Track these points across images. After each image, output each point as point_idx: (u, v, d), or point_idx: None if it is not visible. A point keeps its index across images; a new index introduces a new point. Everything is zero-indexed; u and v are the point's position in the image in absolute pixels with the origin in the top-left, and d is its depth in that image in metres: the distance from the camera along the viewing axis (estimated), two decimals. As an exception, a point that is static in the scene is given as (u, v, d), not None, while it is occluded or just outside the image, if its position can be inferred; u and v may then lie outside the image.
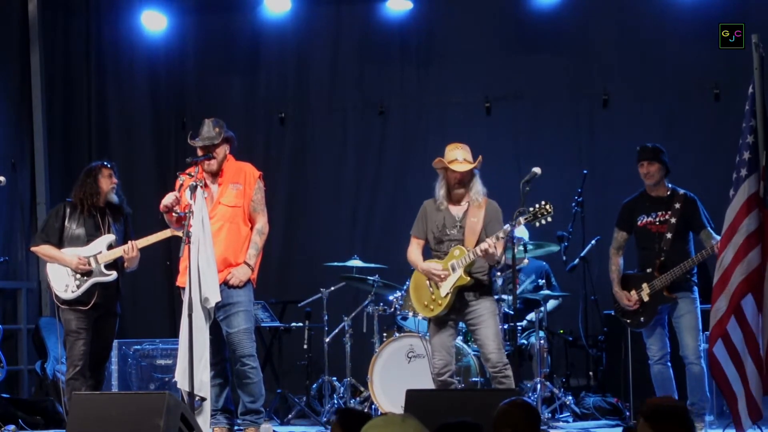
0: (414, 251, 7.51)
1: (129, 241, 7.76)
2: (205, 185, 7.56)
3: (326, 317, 9.42)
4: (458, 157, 7.34)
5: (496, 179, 9.59)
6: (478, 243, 7.22)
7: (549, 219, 7.14)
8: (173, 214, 7.53)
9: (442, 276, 7.26)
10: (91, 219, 7.83)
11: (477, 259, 7.19)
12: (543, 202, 7.13)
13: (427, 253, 7.53)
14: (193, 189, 7.21)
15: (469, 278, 7.21)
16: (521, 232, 9.10)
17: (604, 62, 10.37)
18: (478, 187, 7.38)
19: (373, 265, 9.51)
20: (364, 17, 11.09)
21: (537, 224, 7.21)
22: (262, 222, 7.78)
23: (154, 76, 11.51)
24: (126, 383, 9.47)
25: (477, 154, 7.56)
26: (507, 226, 7.16)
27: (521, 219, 7.11)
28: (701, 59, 9.97)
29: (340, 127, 11.15)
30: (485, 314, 7.23)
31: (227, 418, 7.75)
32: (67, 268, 7.70)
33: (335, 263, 9.70)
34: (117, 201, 7.88)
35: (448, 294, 7.24)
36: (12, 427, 8.70)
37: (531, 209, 7.12)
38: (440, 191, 7.43)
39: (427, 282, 7.37)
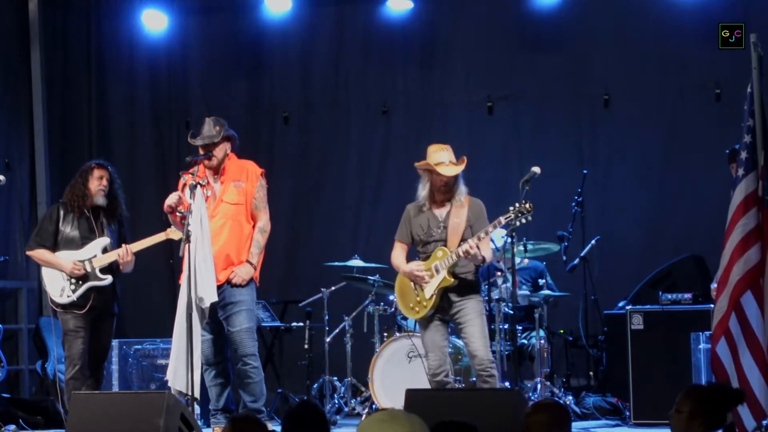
0: (397, 255, 7.47)
1: (124, 246, 7.74)
2: (207, 184, 7.56)
3: (327, 317, 9.43)
4: (444, 159, 7.24)
5: (497, 178, 9.65)
6: (461, 243, 7.18)
7: (529, 218, 7.06)
8: (177, 214, 7.52)
9: (425, 278, 7.24)
10: (84, 221, 7.80)
11: (460, 260, 7.16)
12: (523, 201, 7.08)
13: (412, 256, 7.51)
14: (193, 188, 7.21)
15: (453, 279, 7.18)
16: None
17: (604, 62, 10.36)
18: (461, 188, 7.32)
19: (373, 264, 9.51)
20: (365, 17, 11.09)
21: (518, 223, 7.12)
22: (264, 220, 7.78)
23: (155, 76, 11.51)
24: (126, 383, 9.47)
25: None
26: (489, 227, 7.14)
27: (501, 219, 7.08)
28: (701, 59, 9.96)
29: (343, 127, 11.15)
30: (471, 313, 7.19)
31: (227, 418, 7.73)
32: (63, 272, 7.70)
33: (336, 263, 9.71)
34: (103, 204, 7.81)
35: (432, 296, 7.21)
36: (12, 427, 8.70)
37: (511, 208, 7.08)
38: (423, 193, 7.36)
39: (412, 284, 7.34)
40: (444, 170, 7.23)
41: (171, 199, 7.54)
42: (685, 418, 4.42)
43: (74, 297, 7.66)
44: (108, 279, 7.72)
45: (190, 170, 7.57)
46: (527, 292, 9.18)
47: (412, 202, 7.48)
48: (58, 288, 7.70)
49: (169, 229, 7.71)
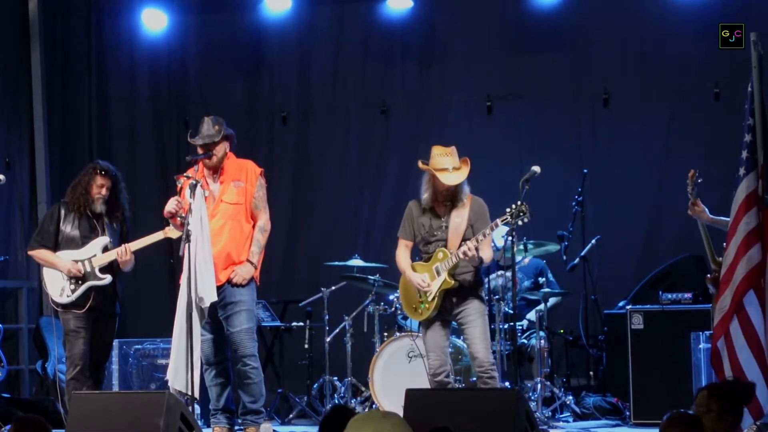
0: (402, 256, 7.45)
1: (123, 245, 7.73)
2: (205, 184, 7.56)
3: (327, 317, 9.42)
4: (447, 165, 7.19)
5: (497, 178, 9.64)
6: (462, 243, 7.15)
7: (526, 219, 7.03)
8: (178, 219, 7.51)
9: (428, 288, 7.22)
10: (85, 220, 7.80)
11: (461, 261, 7.15)
12: (519, 203, 7.05)
13: (414, 255, 7.51)
14: (193, 187, 7.21)
15: (453, 281, 7.18)
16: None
17: (604, 62, 10.37)
18: (464, 189, 7.29)
19: (373, 264, 9.51)
20: (364, 16, 11.09)
21: (516, 224, 7.08)
22: (264, 219, 7.77)
23: (155, 75, 11.51)
24: (127, 383, 9.46)
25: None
26: (486, 229, 7.11)
27: (498, 221, 7.06)
28: (701, 59, 9.97)
29: (342, 126, 11.15)
30: (473, 314, 7.20)
31: (228, 418, 7.75)
32: (63, 272, 7.70)
33: (336, 263, 9.70)
34: (101, 211, 7.79)
35: (434, 298, 7.21)
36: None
37: (507, 210, 7.05)
38: (425, 194, 7.32)
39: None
40: (445, 179, 7.19)
41: (170, 206, 7.52)
42: (714, 416, 4.52)
43: (74, 297, 7.66)
44: (107, 278, 7.72)
45: (185, 173, 7.59)
46: (529, 286, 9.21)
47: (414, 199, 7.47)
48: (58, 288, 7.70)
49: (167, 228, 7.72)
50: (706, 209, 7.46)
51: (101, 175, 7.80)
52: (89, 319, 7.70)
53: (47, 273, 7.79)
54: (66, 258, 7.71)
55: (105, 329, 7.84)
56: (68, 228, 7.78)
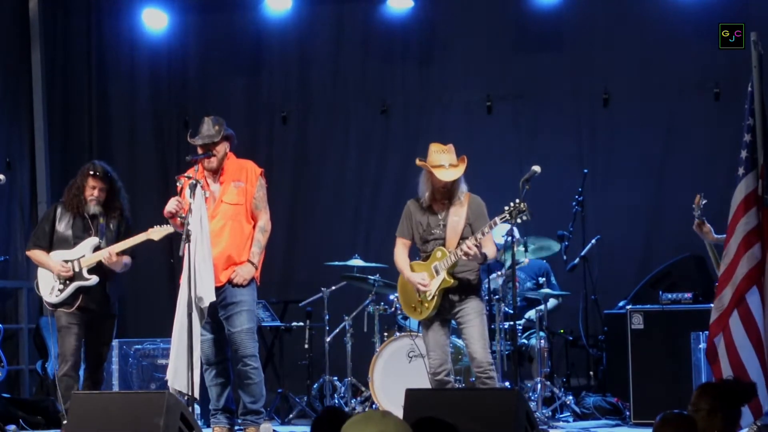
0: (400, 254, 7.43)
1: (108, 247, 7.73)
2: (206, 184, 7.55)
3: (327, 317, 9.42)
4: (444, 162, 7.18)
5: (497, 178, 9.65)
6: (461, 241, 7.15)
7: (524, 217, 6.98)
8: (178, 219, 7.50)
9: (427, 288, 7.20)
10: (80, 220, 7.80)
11: (459, 260, 7.13)
12: (517, 201, 7.02)
13: (413, 254, 7.50)
14: (193, 187, 7.20)
15: (452, 280, 7.16)
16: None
17: (604, 62, 10.37)
18: (462, 187, 7.27)
19: (374, 264, 9.51)
20: (365, 16, 11.09)
21: (517, 221, 7.06)
22: (264, 219, 7.77)
23: (155, 75, 11.51)
24: (127, 383, 9.47)
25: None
26: (485, 227, 7.10)
27: (497, 219, 7.05)
28: (701, 59, 9.97)
29: (342, 126, 11.15)
30: (472, 313, 7.18)
31: (228, 418, 7.75)
32: (53, 273, 7.72)
33: (336, 263, 9.70)
34: (96, 212, 7.79)
35: (434, 297, 7.19)
36: (13, 427, 8.69)
37: (506, 207, 7.03)
38: (426, 192, 7.30)
39: None
40: (441, 175, 7.18)
41: (170, 206, 7.51)
42: (704, 415, 4.50)
43: (62, 297, 7.70)
44: (93, 279, 7.72)
45: (185, 173, 7.59)
46: (531, 287, 9.21)
47: (413, 198, 7.46)
48: (48, 287, 7.75)
49: (150, 229, 7.71)
50: (712, 230, 7.47)
51: (93, 177, 7.80)
52: (82, 318, 7.72)
53: (40, 273, 7.84)
54: (56, 259, 7.73)
55: (102, 330, 7.84)
56: (62, 227, 7.80)
